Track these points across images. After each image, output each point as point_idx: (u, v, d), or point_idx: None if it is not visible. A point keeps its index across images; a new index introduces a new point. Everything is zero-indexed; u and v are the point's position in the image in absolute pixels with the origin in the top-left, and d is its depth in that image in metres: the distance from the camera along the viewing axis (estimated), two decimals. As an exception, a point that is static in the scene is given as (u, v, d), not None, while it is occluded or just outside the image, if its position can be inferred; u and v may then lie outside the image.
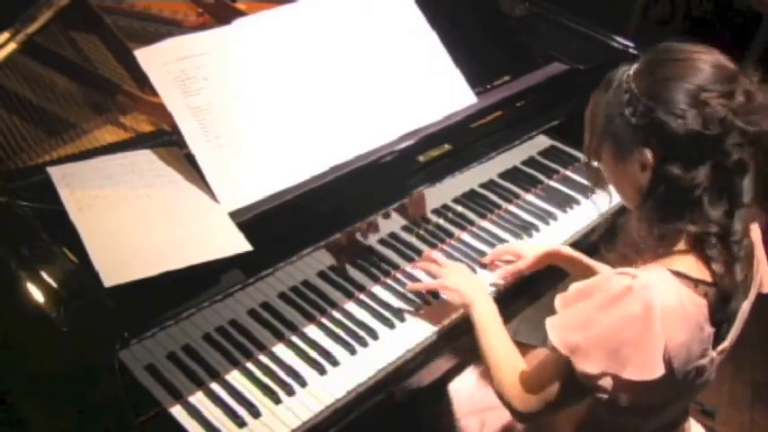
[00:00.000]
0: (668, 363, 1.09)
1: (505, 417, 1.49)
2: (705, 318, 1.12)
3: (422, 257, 1.55)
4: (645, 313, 1.07)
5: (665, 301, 1.08)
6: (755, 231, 1.24)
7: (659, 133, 1.10)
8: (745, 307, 1.21)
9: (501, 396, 1.28)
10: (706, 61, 1.11)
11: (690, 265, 1.13)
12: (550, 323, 1.15)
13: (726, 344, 1.21)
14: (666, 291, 1.09)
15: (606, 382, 1.11)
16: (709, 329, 1.14)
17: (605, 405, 1.16)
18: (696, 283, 1.12)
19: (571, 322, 1.13)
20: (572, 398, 1.20)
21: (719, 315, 1.16)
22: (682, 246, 1.14)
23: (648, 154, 1.12)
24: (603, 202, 1.35)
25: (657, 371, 1.08)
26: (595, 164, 1.24)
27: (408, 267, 1.59)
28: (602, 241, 1.62)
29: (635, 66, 1.16)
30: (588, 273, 1.50)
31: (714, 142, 1.07)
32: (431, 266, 1.50)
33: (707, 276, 1.13)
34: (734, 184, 1.11)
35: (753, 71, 1.11)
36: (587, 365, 1.10)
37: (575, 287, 1.16)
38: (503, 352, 1.32)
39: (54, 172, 1.32)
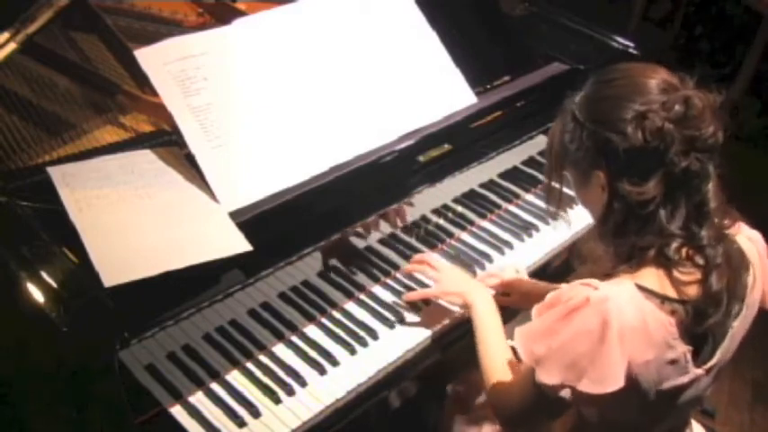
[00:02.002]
0: (634, 381, 1.07)
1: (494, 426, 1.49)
2: (674, 336, 1.09)
3: (413, 260, 1.52)
4: (601, 326, 1.05)
5: (623, 316, 1.05)
6: (757, 241, 1.22)
7: (605, 153, 1.10)
8: (738, 324, 1.18)
9: (488, 397, 1.30)
10: (646, 77, 1.10)
11: (657, 280, 1.11)
12: (518, 332, 1.14)
13: (714, 362, 1.17)
14: (626, 306, 1.06)
15: (566, 394, 1.10)
16: (683, 348, 1.10)
17: (584, 421, 1.15)
18: (662, 299, 1.10)
19: (535, 332, 1.13)
20: (547, 408, 1.19)
21: (697, 331, 1.12)
22: (650, 261, 1.12)
23: (601, 175, 1.12)
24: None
25: (612, 385, 1.05)
26: (556, 185, 1.24)
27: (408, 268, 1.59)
28: (572, 257, 1.62)
29: (581, 92, 1.17)
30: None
31: (658, 154, 1.07)
32: (425, 270, 1.47)
33: (675, 292, 1.11)
34: (694, 192, 1.09)
35: (689, 79, 1.10)
36: (546, 376, 1.10)
37: (548, 296, 1.15)
38: (495, 355, 1.32)
39: (54, 172, 1.32)
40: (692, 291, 1.11)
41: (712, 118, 1.08)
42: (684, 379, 1.13)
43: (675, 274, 1.11)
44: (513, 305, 1.55)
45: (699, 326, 1.12)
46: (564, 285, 1.15)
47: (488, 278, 1.56)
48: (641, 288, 1.09)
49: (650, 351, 1.07)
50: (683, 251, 1.11)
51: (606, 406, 1.12)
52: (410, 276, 1.56)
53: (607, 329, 1.05)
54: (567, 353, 1.08)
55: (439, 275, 1.45)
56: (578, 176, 1.18)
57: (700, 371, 1.14)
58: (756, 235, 1.23)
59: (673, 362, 1.10)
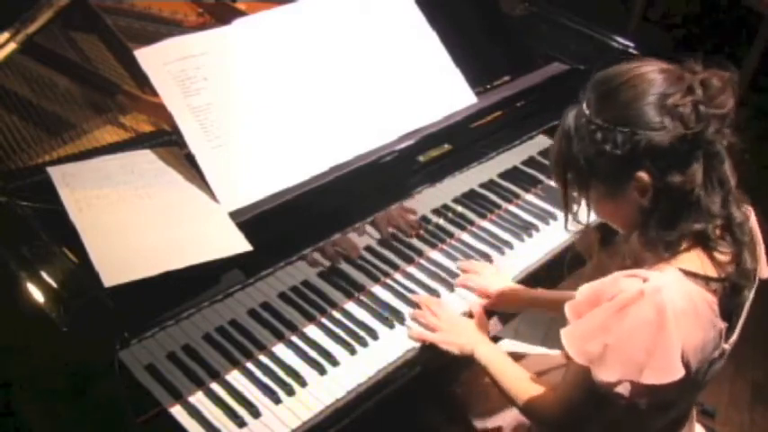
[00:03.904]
0: (686, 364, 1.10)
1: (504, 417, 1.49)
2: (716, 313, 1.13)
3: (419, 301, 1.49)
4: (658, 317, 1.07)
5: (676, 303, 1.08)
6: (749, 214, 1.24)
7: (647, 151, 1.10)
8: (751, 295, 1.21)
9: (533, 418, 1.31)
10: (651, 71, 1.12)
11: (698, 262, 1.14)
12: (566, 334, 1.14)
13: (735, 335, 1.21)
14: (677, 293, 1.09)
15: (624, 389, 1.11)
16: (721, 324, 1.15)
17: (625, 409, 1.16)
18: (707, 280, 1.13)
19: (586, 331, 1.13)
20: (599, 407, 1.19)
21: (730, 307, 1.17)
22: (687, 244, 1.14)
23: (644, 176, 1.12)
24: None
25: (676, 373, 1.08)
26: (582, 201, 1.23)
27: (409, 268, 1.59)
28: (602, 251, 1.62)
29: (585, 105, 1.16)
30: (554, 306, 1.48)
31: (698, 137, 1.09)
32: (428, 317, 1.45)
33: (715, 271, 1.14)
34: (721, 172, 1.13)
35: (692, 61, 1.13)
36: (605, 374, 1.10)
37: (583, 293, 1.15)
38: (518, 382, 1.33)
39: (54, 172, 1.32)
40: (729, 268, 1.15)
41: (731, 93, 1.11)
42: (716, 354, 1.17)
43: (714, 253, 1.14)
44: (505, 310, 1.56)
45: (734, 301, 1.16)
46: (606, 280, 1.15)
47: (476, 295, 1.54)
48: (685, 272, 1.12)
49: (700, 333, 1.11)
50: (718, 231, 1.14)
51: (661, 394, 1.13)
52: (410, 276, 1.56)
53: (664, 319, 1.07)
54: (625, 347, 1.09)
55: (439, 323, 1.43)
56: (609, 188, 1.17)
57: (726, 345, 1.19)
58: (748, 209, 1.25)
59: (713, 339, 1.14)
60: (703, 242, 1.14)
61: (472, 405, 1.55)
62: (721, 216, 1.13)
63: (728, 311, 1.17)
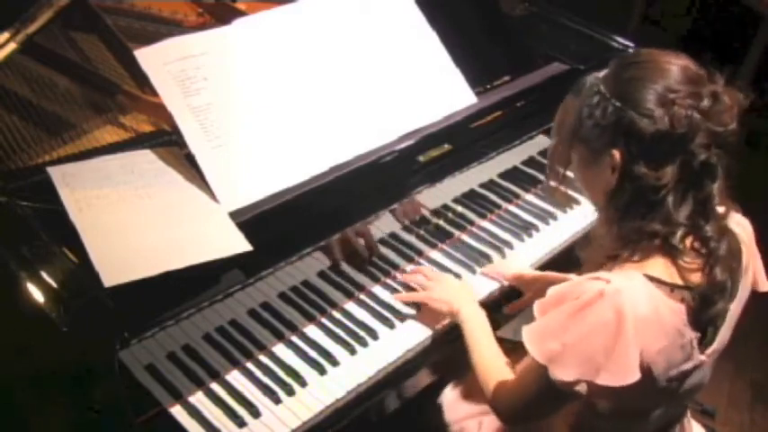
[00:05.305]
0: (647, 369, 1.09)
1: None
2: (684, 322, 1.12)
3: (410, 271, 1.53)
4: (616, 319, 1.06)
5: (637, 307, 1.07)
6: (746, 226, 1.24)
7: (627, 132, 1.10)
8: (734, 307, 1.20)
9: (489, 401, 1.30)
10: (674, 64, 1.12)
11: (664, 269, 1.13)
12: (527, 331, 1.15)
13: (715, 346, 1.20)
14: (639, 297, 1.08)
15: (582, 388, 1.11)
16: (691, 334, 1.13)
17: (591, 411, 1.15)
18: (672, 287, 1.11)
19: (546, 330, 1.13)
20: (555, 404, 1.20)
21: (703, 318, 1.15)
22: (655, 251, 1.13)
23: (617, 154, 1.12)
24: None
25: (631, 376, 1.07)
26: (561, 170, 1.24)
27: (409, 267, 1.59)
28: (577, 246, 1.63)
29: (605, 71, 1.17)
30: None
31: (681, 142, 1.08)
32: (417, 278, 1.48)
33: (682, 281, 1.13)
34: (703, 187, 1.11)
35: (719, 75, 1.12)
36: (562, 373, 1.10)
37: (551, 292, 1.15)
38: (489, 359, 1.33)
39: (54, 172, 1.32)
40: (698, 278, 1.13)
41: (736, 116, 1.10)
42: (689, 365, 1.15)
43: (681, 262, 1.12)
44: (527, 304, 1.56)
45: (705, 313, 1.14)
46: (570, 278, 1.16)
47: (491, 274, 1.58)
48: (650, 278, 1.10)
49: (663, 339, 1.09)
50: (688, 241, 1.13)
51: (621, 397, 1.12)
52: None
53: (623, 322, 1.06)
54: (583, 348, 1.09)
55: (429, 283, 1.46)
56: (588, 154, 1.18)
57: (703, 356, 1.17)
58: (744, 221, 1.25)
59: (681, 348, 1.12)
60: (668, 249, 1.12)
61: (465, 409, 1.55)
62: (685, 226, 1.11)
63: (701, 322, 1.15)
